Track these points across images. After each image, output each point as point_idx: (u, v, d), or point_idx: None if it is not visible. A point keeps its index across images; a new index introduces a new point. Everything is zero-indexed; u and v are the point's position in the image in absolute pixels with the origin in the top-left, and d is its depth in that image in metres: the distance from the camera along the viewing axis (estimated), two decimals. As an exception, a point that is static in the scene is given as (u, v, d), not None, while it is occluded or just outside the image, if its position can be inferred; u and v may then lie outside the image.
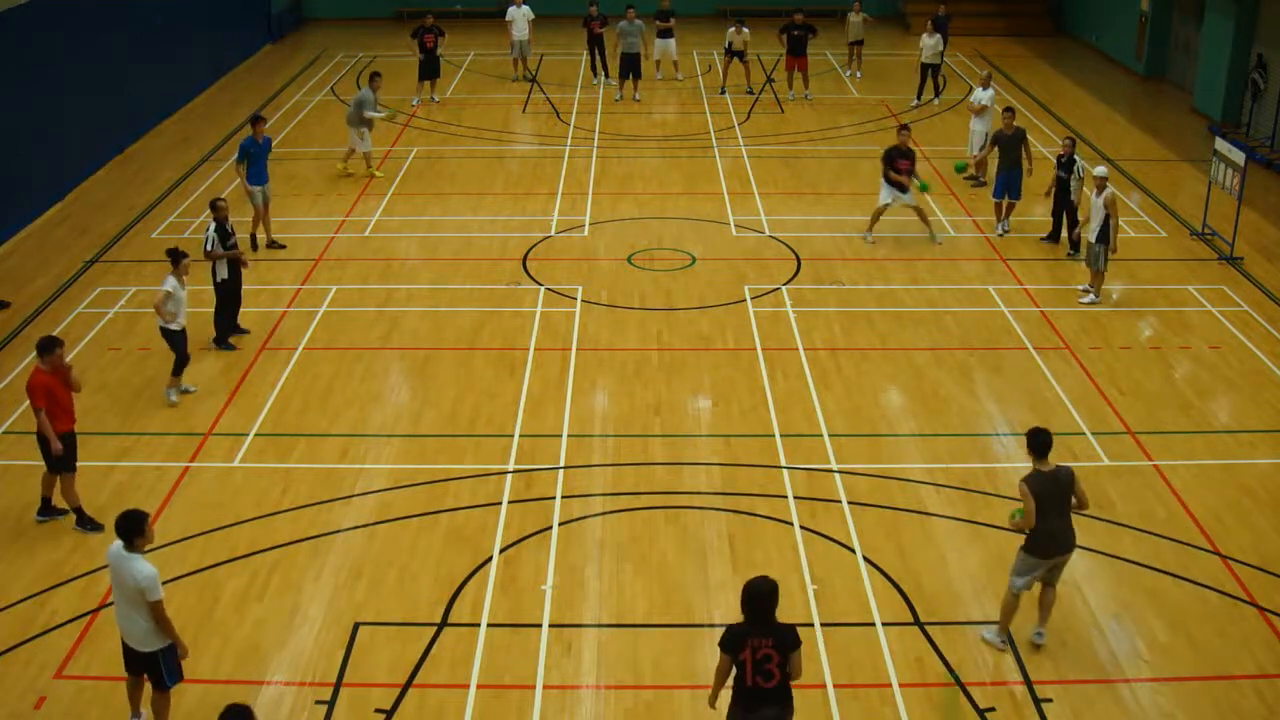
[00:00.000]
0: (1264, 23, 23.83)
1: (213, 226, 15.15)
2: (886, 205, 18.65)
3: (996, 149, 18.95)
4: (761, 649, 7.91)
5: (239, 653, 10.18)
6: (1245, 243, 18.59)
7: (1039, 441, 9.74)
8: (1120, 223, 16.52)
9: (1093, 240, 16.34)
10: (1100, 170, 16.61)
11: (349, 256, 18.43)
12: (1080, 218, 17.92)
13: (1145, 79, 28.99)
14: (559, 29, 33.32)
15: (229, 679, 9.87)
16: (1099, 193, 16.26)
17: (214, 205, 15.39)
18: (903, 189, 18.42)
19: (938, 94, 26.84)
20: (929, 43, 26.01)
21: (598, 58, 28.29)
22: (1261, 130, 23.50)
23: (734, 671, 8.05)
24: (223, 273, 15.20)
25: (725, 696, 8.25)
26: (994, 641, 10.22)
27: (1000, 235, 18.94)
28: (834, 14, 29.95)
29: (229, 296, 15.44)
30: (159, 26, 25.52)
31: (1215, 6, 25.16)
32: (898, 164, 18.37)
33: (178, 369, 14.07)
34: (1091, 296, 16.61)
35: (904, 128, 18.97)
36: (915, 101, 26.65)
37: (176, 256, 13.84)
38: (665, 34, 27.91)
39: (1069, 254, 18.13)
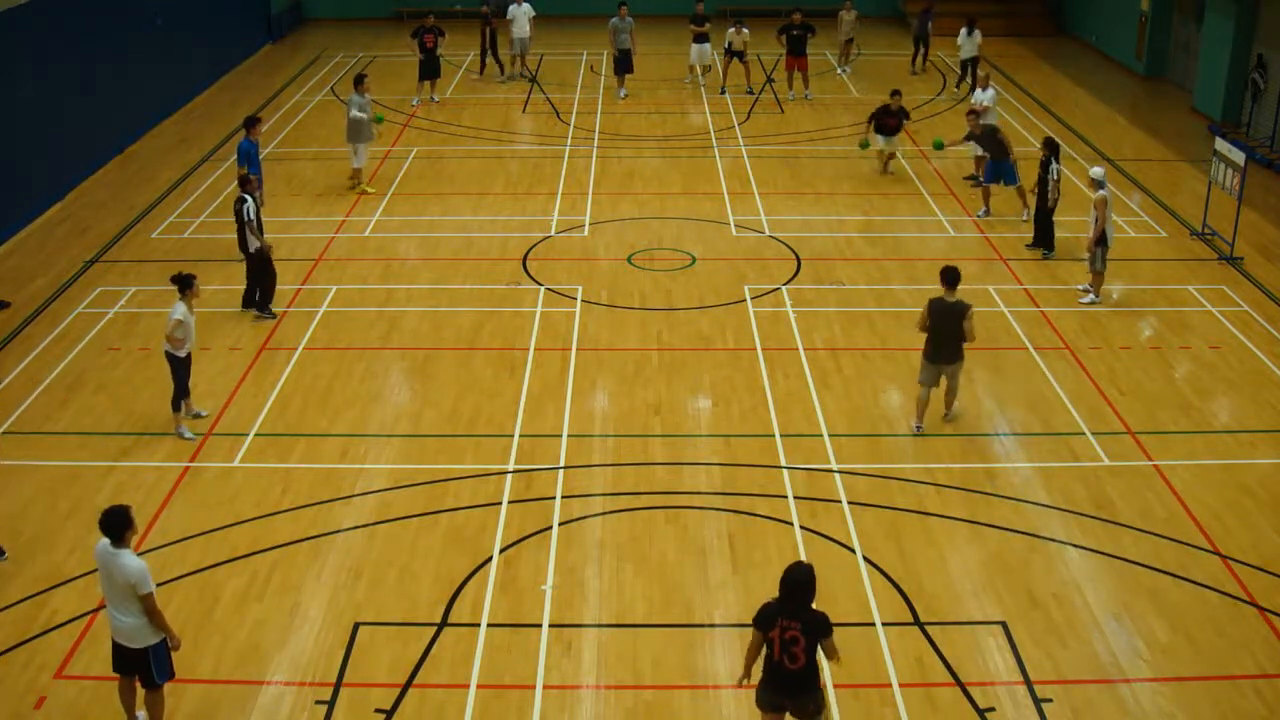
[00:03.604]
0: (1264, 23, 23.83)
1: (252, 200, 15.96)
2: (880, 149, 21.59)
3: (974, 144, 19.90)
4: (789, 630, 8.14)
5: (239, 653, 10.18)
6: (1245, 243, 18.59)
7: (949, 276, 13.10)
8: (1113, 220, 16.51)
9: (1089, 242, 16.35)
10: (1095, 171, 16.58)
11: (349, 256, 18.43)
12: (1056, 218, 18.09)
13: (1145, 79, 28.99)
14: (559, 29, 33.37)
15: (229, 679, 9.87)
16: (1094, 194, 16.26)
17: (247, 179, 16.31)
18: (888, 134, 21.35)
19: (957, 87, 27.04)
20: (966, 40, 26.64)
21: (488, 54, 28.56)
22: (1261, 130, 23.49)
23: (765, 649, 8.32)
24: (255, 243, 16.02)
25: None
26: (915, 427, 13.39)
27: (982, 216, 19.77)
28: (832, 14, 29.97)
29: (265, 264, 16.24)
30: (159, 26, 25.52)
31: (1215, 6, 25.16)
32: (885, 121, 21.22)
33: (176, 402, 13.47)
34: (1091, 296, 16.61)
35: (895, 92, 21.41)
36: (971, 91, 26.93)
37: (185, 282, 13.14)
38: (701, 38, 27.69)
39: (1044, 254, 18.12)
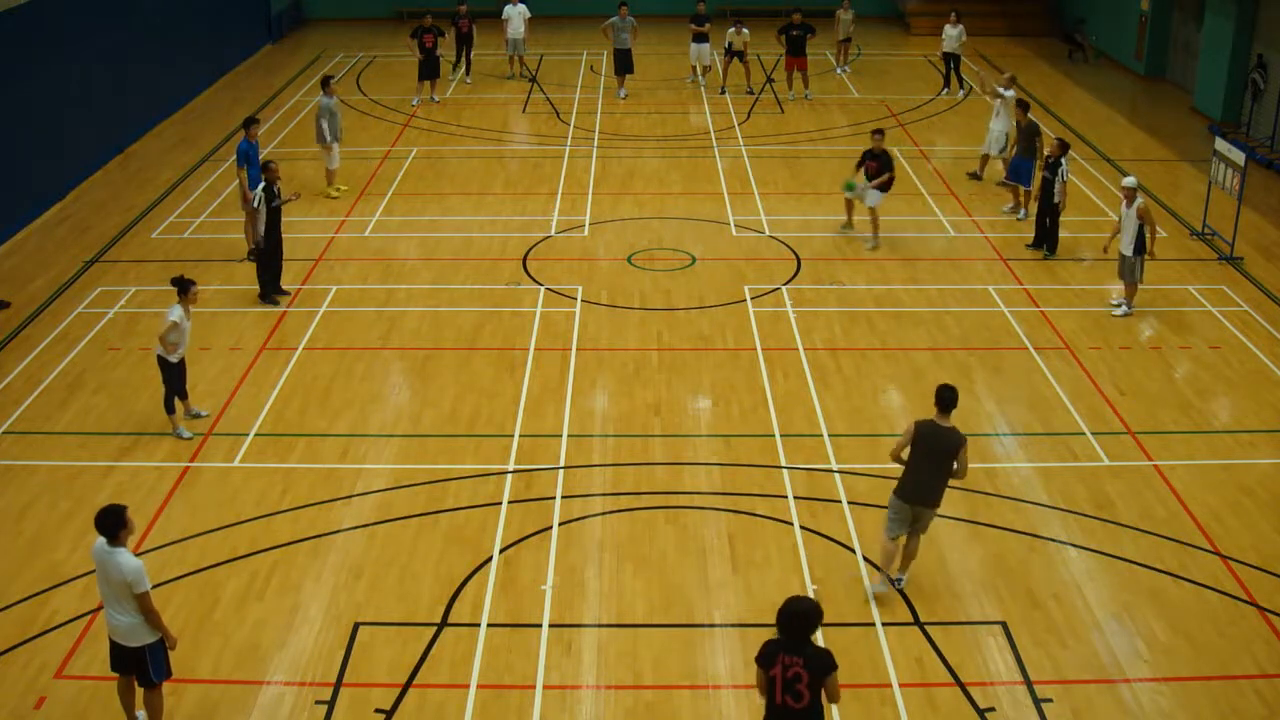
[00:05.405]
0: (1264, 23, 23.83)
1: (262, 185, 16.12)
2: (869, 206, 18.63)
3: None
4: (792, 668, 7.68)
5: (239, 653, 10.18)
6: (1245, 243, 18.59)
7: (944, 397, 10.36)
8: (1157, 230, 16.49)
9: (1127, 253, 16.03)
10: (1130, 180, 16.26)
11: (349, 256, 18.43)
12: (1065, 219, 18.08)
13: (1145, 79, 28.99)
14: (559, 29, 33.36)
15: (229, 679, 9.87)
16: (1129, 204, 15.98)
17: (266, 166, 16.39)
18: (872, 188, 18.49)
19: (961, 86, 26.98)
20: (951, 33, 26.61)
21: (463, 55, 28.64)
22: (1261, 130, 23.49)
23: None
24: (261, 230, 16.16)
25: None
26: (881, 591, 10.69)
27: (1021, 219, 19.48)
28: (831, 14, 29.99)
29: (271, 251, 16.45)
30: (155, 23, 25.48)
31: (1215, 6, 25.16)
32: (866, 165, 18.54)
33: (169, 404, 13.41)
34: (1125, 309, 16.30)
35: (877, 131, 18.83)
36: (945, 90, 27.34)
37: (184, 285, 13.13)
38: (700, 38, 27.61)
39: (1045, 255, 18.10)
